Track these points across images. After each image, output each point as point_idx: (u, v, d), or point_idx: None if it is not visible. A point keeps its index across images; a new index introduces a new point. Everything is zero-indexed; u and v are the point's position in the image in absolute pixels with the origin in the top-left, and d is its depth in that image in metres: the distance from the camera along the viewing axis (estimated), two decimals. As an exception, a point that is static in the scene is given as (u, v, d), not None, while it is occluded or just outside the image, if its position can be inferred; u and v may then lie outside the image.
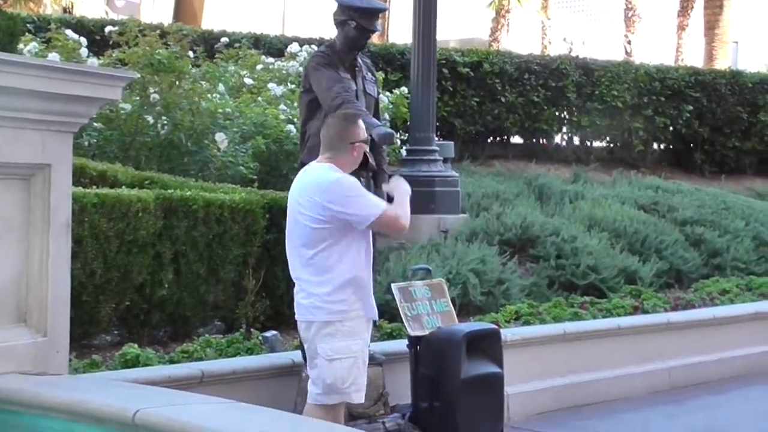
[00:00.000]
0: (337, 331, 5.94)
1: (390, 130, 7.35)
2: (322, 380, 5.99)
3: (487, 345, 7.50)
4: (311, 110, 7.37)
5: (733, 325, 10.43)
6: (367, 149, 6.37)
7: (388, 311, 8.15)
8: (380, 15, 7.75)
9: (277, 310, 8.45)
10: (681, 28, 29.65)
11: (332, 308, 5.94)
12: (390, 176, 6.57)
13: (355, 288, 6.03)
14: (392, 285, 7.52)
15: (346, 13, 7.45)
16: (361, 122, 6.23)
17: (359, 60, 7.61)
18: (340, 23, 7.49)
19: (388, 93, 13.13)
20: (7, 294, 5.16)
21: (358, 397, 6.11)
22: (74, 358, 6.66)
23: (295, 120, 10.67)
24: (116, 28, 12.25)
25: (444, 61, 15.19)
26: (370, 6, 7.62)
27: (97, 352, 7.33)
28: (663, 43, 31.26)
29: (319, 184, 5.93)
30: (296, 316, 6.16)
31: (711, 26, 27.85)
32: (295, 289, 6.13)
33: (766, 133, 18.86)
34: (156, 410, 4.44)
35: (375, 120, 7.16)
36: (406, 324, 7.32)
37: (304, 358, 6.45)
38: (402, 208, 6.09)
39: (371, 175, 7.09)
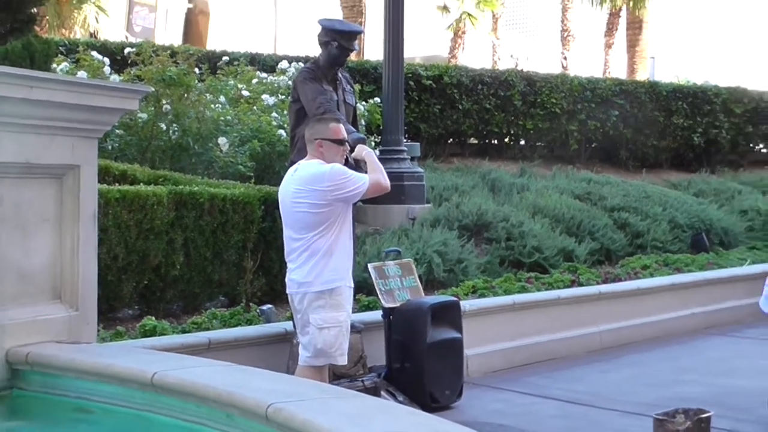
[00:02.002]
0: (327, 303, 5.95)
1: (362, 135, 7.32)
2: (313, 345, 6.00)
3: (449, 314, 7.52)
4: (299, 117, 7.35)
5: (654, 295, 10.47)
6: (348, 151, 6.35)
7: (365, 287, 8.15)
8: (357, 36, 7.73)
9: (272, 287, 8.43)
10: (608, 46, 29.68)
11: (324, 282, 5.94)
12: (351, 147, 6.51)
13: (345, 264, 6.06)
14: (368, 264, 7.53)
15: (329, 35, 7.43)
16: (331, 124, 6.19)
17: (340, 74, 7.59)
18: (323, 43, 7.48)
19: (364, 102, 13.09)
20: (45, 275, 5.15)
21: (343, 360, 6.12)
22: (102, 329, 6.63)
23: (285, 126, 10.64)
24: (134, 49, 12.17)
25: (410, 75, 15.16)
26: (350, 29, 7.61)
27: (120, 324, 7.31)
28: (593, 59, 31.30)
29: (317, 176, 5.93)
30: (288, 290, 6.15)
31: (632, 44, 27.94)
32: (290, 267, 6.10)
33: (678, 133, 18.94)
34: (171, 372, 4.43)
35: (350, 127, 7.14)
36: (380, 297, 7.33)
37: (295, 327, 6.43)
38: (378, 173, 6.13)
39: None
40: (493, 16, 31.67)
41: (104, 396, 4.60)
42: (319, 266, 5.95)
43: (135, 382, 4.49)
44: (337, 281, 5.99)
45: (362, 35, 23.41)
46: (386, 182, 6.13)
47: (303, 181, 5.99)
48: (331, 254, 5.97)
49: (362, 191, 6.00)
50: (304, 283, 5.99)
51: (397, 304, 7.33)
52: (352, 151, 6.48)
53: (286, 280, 6.17)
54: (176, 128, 10.68)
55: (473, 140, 17.26)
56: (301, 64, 11.43)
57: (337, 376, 6.79)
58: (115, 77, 11.10)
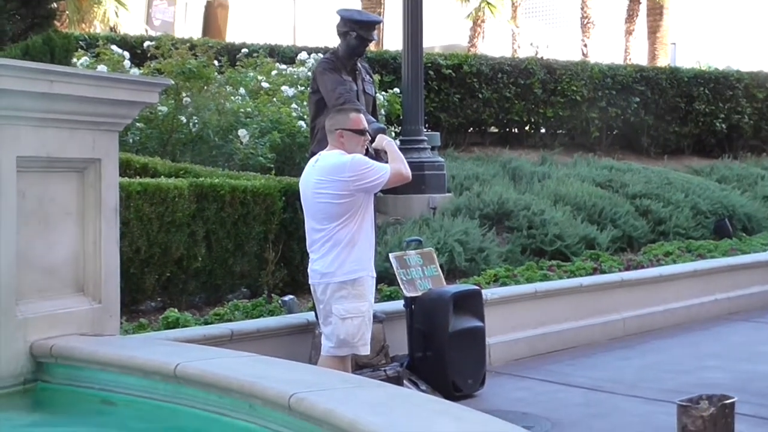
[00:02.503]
0: (349, 293, 5.94)
1: (382, 125, 7.31)
2: (335, 336, 5.99)
3: (471, 303, 7.51)
4: (319, 108, 7.34)
5: (676, 282, 10.43)
6: (368, 141, 6.34)
7: (386, 277, 8.15)
8: (376, 26, 7.71)
9: (293, 278, 8.45)
10: (628, 32, 29.56)
11: (347, 272, 5.94)
12: (371, 137, 6.49)
13: (367, 254, 6.04)
14: (390, 254, 7.53)
15: (348, 25, 7.41)
16: (352, 114, 6.17)
17: (359, 64, 7.57)
18: (342, 34, 7.45)
19: (383, 93, 13.09)
20: (68, 268, 5.18)
21: (365, 350, 6.13)
22: (124, 321, 6.67)
23: (305, 117, 10.65)
24: (153, 43, 12.21)
25: (430, 64, 15.14)
26: (368, 19, 7.59)
27: (143, 316, 7.35)
28: (613, 46, 31.17)
29: (338, 166, 5.91)
30: (311, 281, 6.14)
31: (653, 31, 27.82)
32: (312, 257, 6.09)
33: (700, 119, 18.84)
34: (193, 364, 4.45)
35: (370, 117, 7.14)
36: (402, 287, 7.33)
37: (317, 317, 6.44)
38: (399, 162, 6.10)
39: None
40: (513, 4, 31.61)
41: (127, 388, 4.63)
42: (341, 257, 5.95)
43: (158, 373, 4.51)
44: (360, 271, 5.98)
45: (381, 25, 23.46)
46: (407, 171, 6.12)
47: (324, 172, 5.98)
48: (354, 244, 5.96)
49: (383, 181, 5.98)
50: (327, 274, 5.98)
51: (419, 294, 7.33)
52: (372, 141, 6.48)
53: (309, 270, 6.16)
54: (196, 121, 10.72)
55: (493, 129, 17.24)
56: (321, 55, 11.43)
57: (359, 365, 6.80)
58: (134, 71, 11.14)
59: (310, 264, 6.15)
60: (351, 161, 5.93)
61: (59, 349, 4.89)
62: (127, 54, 11.71)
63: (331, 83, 7.23)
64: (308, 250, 6.18)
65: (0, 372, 4.78)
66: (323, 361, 6.07)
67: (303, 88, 11.90)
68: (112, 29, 23.97)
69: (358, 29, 7.37)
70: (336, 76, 7.27)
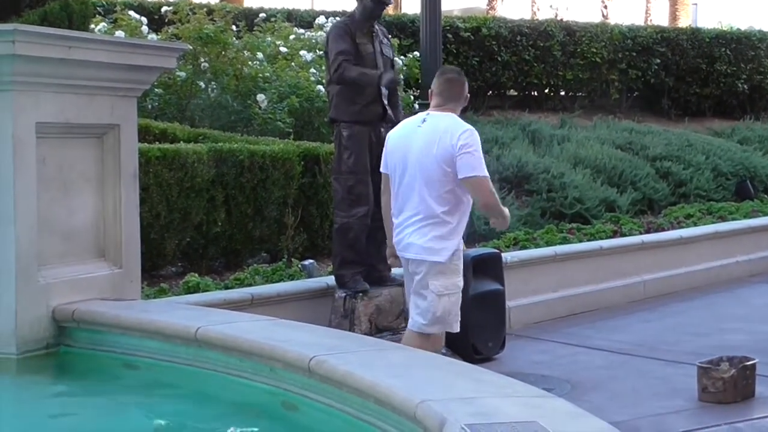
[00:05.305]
0: (447, 269, 5.58)
1: (391, 76, 7.12)
2: (431, 313, 5.60)
3: (491, 267, 7.52)
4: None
5: (696, 244, 10.41)
6: (386, 101, 6.27)
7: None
8: (393, -10, 7.61)
9: (313, 242, 8.48)
10: (649, -7, 29.33)
11: (448, 250, 5.55)
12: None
13: (463, 226, 5.71)
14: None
15: (364, -12, 7.34)
16: None
17: (376, 27, 7.52)
18: (359, -3, 7.40)
19: (402, 57, 13.03)
20: (88, 234, 5.22)
21: (457, 326, 5.78)
22: (145, 286, 6.70)
23: (323, 81, 10.62)
24: (171, 8, 12.18)
25: (448, 28, 15.04)
26: (384, -17, 7.52)
27: (164, 281, 7.39)
28: (634, 7, 30.94)
29: (456, 128, 5.52)
30: (404, 252, 5.67)
31: (674, -9, 27.55)
32: (403, 225, 5.62)
33: (721, 80, 18.66)
34: (214, 327, 4.49)
35: (374, 72, 7.01)
36: (421, 250, 7.30)
37: (406, 290, 5.99)
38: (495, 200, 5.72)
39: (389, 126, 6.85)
40: (532, -35, 31.32)
41: (149, 351, 4.69)
42: (443, 233, 5.54)
43: (179, 337, 4.56)
44: (458, 246, 5.64)
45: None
46: (497, 201, 5.77)
47: (437, 132, 5.53)
48: (456, 218, 5.60)
49: (470, 176, 5.47)
50: (427, 249, 5.54)
51: (439, 257, 7.31)
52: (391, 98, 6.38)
53: (399, 240, 5.68)
54: (215, 86, 10.71)
55: (513, 92, 17.13)
56: (338, 19, 11.38)
57: (379, 329, 6.82)
58: (152, 36, 11.13)
59: (399, 232, 5.67)
60: (470, 132, 5.52)
61: (81, 313, 4.93)
62: (144, 19, 11.69)
63: (334, 51, 7.09)
64: (396, 217, 5.71)
65: (23, 336, 4.84)
66: (411, 337, 5.66)
67: (321, 52, 11.83)
68: (130, -5, 23.90)
69: (373, -7, 7.29)
70: (342, 45, 7.10)
